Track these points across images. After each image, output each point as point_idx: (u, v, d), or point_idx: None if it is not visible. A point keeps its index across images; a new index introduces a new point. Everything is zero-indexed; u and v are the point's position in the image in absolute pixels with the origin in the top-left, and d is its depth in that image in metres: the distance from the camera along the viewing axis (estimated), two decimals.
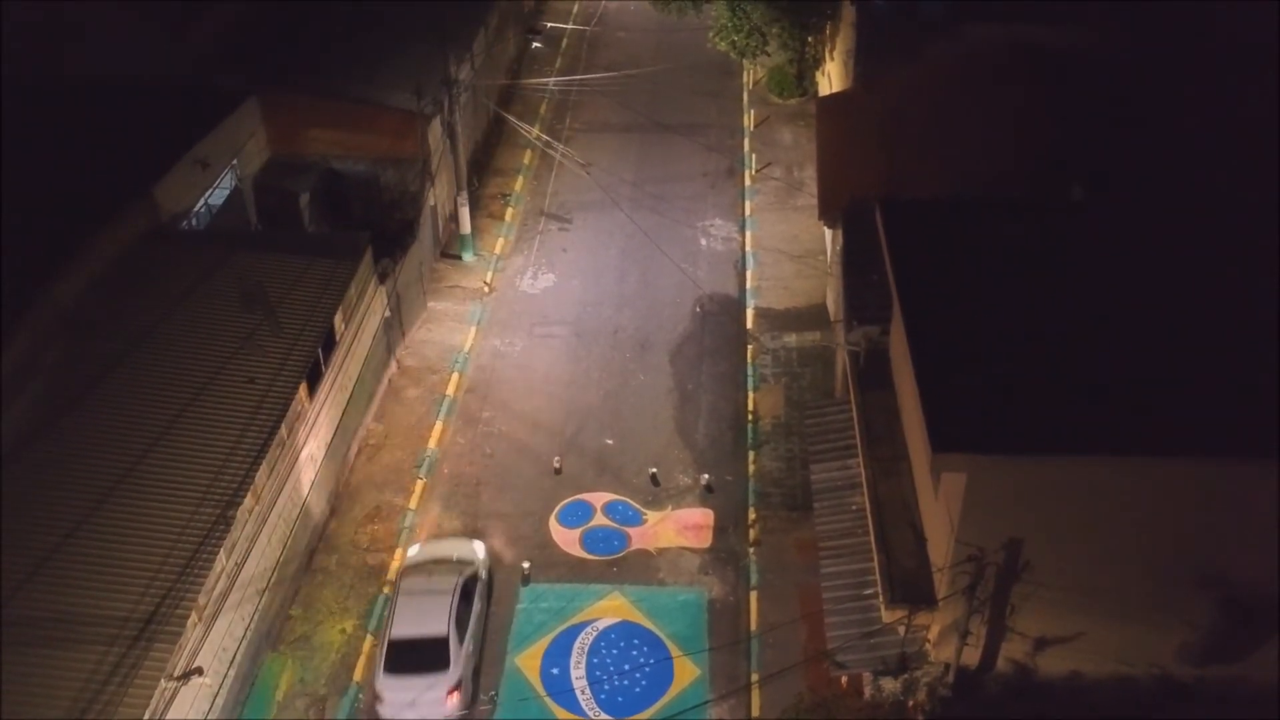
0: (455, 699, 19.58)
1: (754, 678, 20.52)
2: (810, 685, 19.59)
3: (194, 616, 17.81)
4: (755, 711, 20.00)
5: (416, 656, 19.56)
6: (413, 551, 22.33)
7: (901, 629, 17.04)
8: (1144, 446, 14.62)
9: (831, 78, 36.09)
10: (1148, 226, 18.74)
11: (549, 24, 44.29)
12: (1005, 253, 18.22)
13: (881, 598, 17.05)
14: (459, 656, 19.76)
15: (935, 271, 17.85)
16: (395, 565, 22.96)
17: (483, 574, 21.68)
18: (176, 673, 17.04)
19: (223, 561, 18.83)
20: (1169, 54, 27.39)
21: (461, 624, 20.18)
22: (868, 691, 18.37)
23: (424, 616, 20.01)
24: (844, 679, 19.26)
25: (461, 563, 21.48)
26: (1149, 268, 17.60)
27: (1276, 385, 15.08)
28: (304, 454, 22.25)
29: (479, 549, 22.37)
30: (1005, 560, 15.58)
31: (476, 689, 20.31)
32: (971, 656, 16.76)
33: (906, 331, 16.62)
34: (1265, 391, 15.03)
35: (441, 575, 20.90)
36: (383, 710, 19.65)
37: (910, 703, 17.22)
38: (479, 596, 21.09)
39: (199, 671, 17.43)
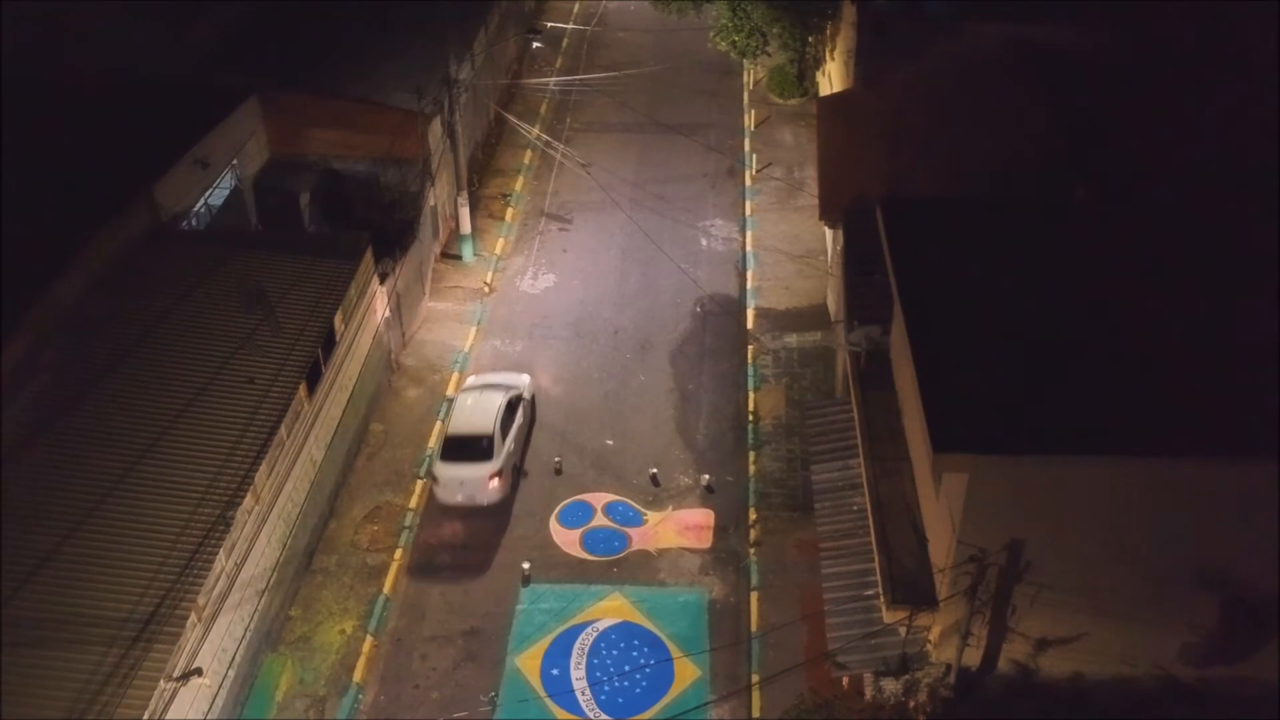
0: (496, 484, 23.81)
1: (754, 679, 20.47)
2: (811, 686, 19.53)
3: (193, 617, 17.76)
4: (756, 712, 19.95)
5: (467, 449, 23.89)
6: (470, 380, 26.74)
7: (903, 630, 16.98)
8: (1146, 447, 14.58)
9: (832, 78, 36.06)
10: (1149, 226, 18.72)
11: (549, 24, 44.27)
12: (1006, 252, 18.19)
13: (882, 598, 17.00)
14: (501, 451, 23.99)
15: (936, 271, 17.80)
16: (394, 569, 22.97)
17: (526, 395, 26.21)
18: (176, 673, 16.99)
19: (222, 562, 18.79)
20: (1170, 53, 27.36)
21: (505, 428, 24.46)
22: (869, 692, 18.35)
23: (474, 419, 24.38)
24: (845, 680, 19.21)
25: (509, 386, 25.67)
26: (1150, 267, 17.56)
27: (1277, 385, 15.03)
28: (304, 454, 22.20)
29: (525, 379, 26.85)
30: (1007, 561, 15.53)
31: (517, 480, 24.96)
32: (973, 657, 16.71)
33: (907, 331, 16.58)
34: (1267, 391, 14.99)
35: (491, 391, 25.27)
36: (439, 491, 24.10)
37: (912, 704, 17.18)
38: (521, 412, 25.54)
39: (198, 672, 17.39)
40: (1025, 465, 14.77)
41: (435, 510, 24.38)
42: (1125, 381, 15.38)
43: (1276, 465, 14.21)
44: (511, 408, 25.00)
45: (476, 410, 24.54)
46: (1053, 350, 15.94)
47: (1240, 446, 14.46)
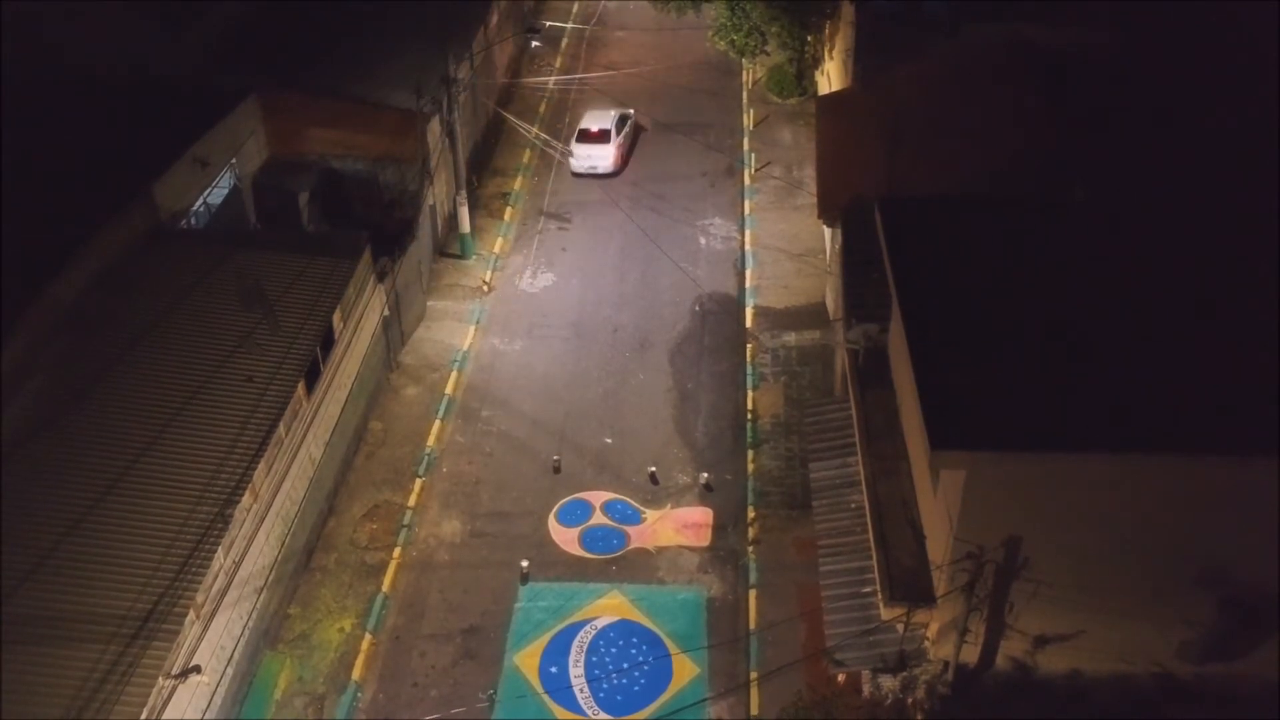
0: (611, 160, 36.54)
1: (753, 676, 20.49)
2: (809, 683, 19.54)
3: (192, 614, 17.80)
4: (754, 710, 19.96)
5: (592, 136, 36.60)
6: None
7: (900, 627, 16.98)
8: (1142, 443, 14.58)
9: (831, 77, 36.09)
10: (1147, 224, 18.72)
11: (548, 23, 44.31)
12: (1004, 251, 18.20)
13: (880, 596, 17.01)
14: (615, 140, 36.64)
15: (934, 268, 17.81)
16: (393, 567, 23.01)
17: (630, 115, 38.58)
18: (175, 671, 17.02)
19: (221, 559, 18.81)
20: (1170, 53, 27.37)
21: (619, 127, 37.11)
22: (867, 689, 18.36)
23: (599, 120, 37.21)
24: (842, 677, 19.22)
25: (623, 111, 38.31)
26: (1147, 266, 17.57)
27: (1275, 381, 15.05)
28: (302, 452, 22.22)
29: (631, 110, 39.02)
30: (1004, 558, 15.54)
31: (628, 156, 37.66)
32: (971, 654, 16.70)
33: (905, 328, 16.59)
34: (1264, 388, 15.00)
35: (607, 106, 38.60)
36: (572, 163, 36.61)
37: (909, 701, 17.18)
38: (629, 125, 38.08)
39: (197, 670, 17.41)
40: (1022, 462, 14.77)
41: (435, 508, 24.41)
42: (1122, 379, 15.39)
43: (1274, 462, 14.22)
44: (623, 119, 37.72)
45: (600, 116, 37.39)
46: (1050, 348, 15.95)
47: (1237, 444, 14.45)
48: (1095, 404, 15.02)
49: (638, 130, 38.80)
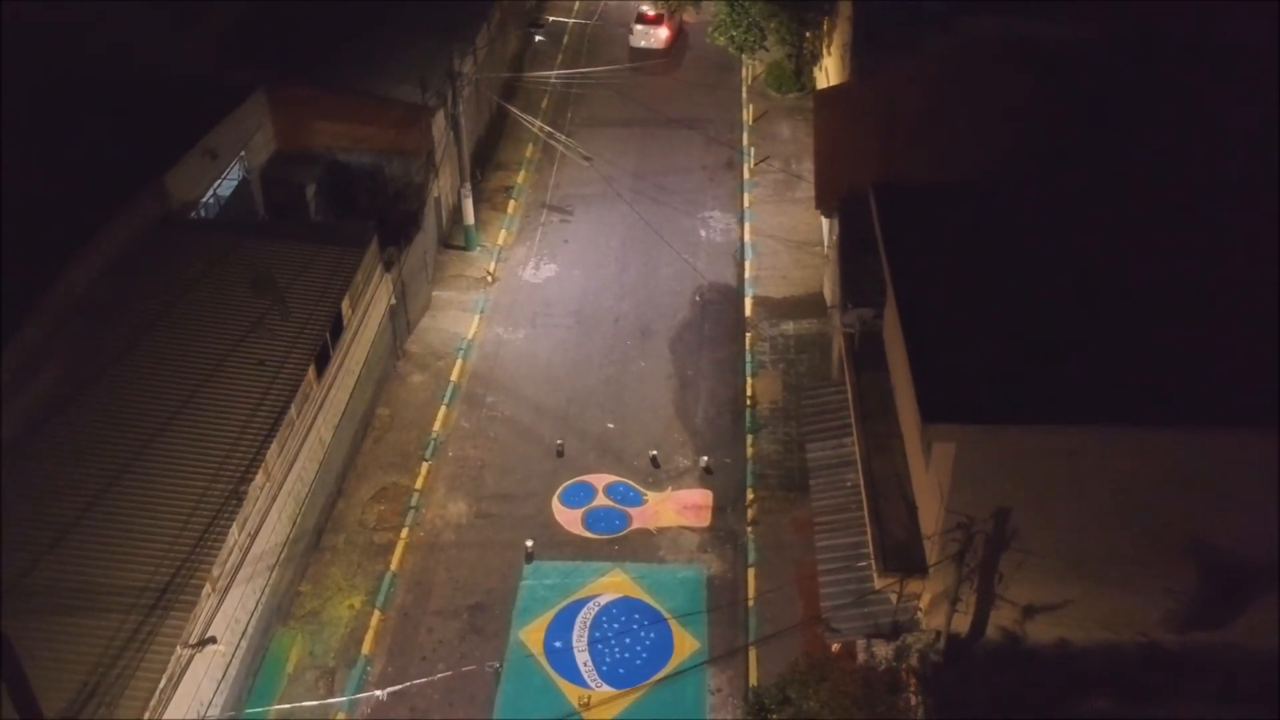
0: (663, 39, 44.44)
1: (752, 652, 21.04)
2: (805, 650, 20.08)
3: (208, 587, 18.36)
4: (753, 681, 20.51)
5: (649, 19, 44.82)
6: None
7: (894, 597, 17.56)
8: (1126, 416, 15.12)
9: (829, 72, 36.65)
10: (1133, 205, 19.23)
11: (551, 18, 44.92)
12: (995, 233, 18.72)
13: (874, 566, 17.58)
14: (666, 23, 44.03)
15: (926, 251, 18.36)
16: (403, 541, 23.58)
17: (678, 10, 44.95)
18: (192, 640, 17.60)
19: (235, 535, 19.38)
20: (1160, 46, 27.86)
21: (670, 15, 43.84)
22: (861, 658, 18.90)
23: (653, 8, 44.90)
24: (837, 646, 19.76)
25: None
26: (1130, 248, 18.09)
27: (1258, 356, 15.56)
28: (313, 435, 22.79)
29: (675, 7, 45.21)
30: (994, 529, 16.08)
31: (676, 39, 45.14)
32: (962, 624, 17.24)
33: (898, 307, 17.16)
34: (1247, 362, 15.50)
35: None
36: (632, 39, 44.67)
37: (903, 668, 17.73)
38: (678, 16, 44.33)
39: (213, 640, 17.98)
40: (1010, 435, 15.31)
41: (441, 491, 24.98)
42: (1106, 356, 15.91)
43: (1257, 434, 14.72)
44: (672, 12, 44.44)
45: (654, 6, 44.57)
46: (1038, 326, 16.48)
47: (1221, 416, 14.93)
48: (1080, 380, 15.55)
49: (683, 25, 46.41)
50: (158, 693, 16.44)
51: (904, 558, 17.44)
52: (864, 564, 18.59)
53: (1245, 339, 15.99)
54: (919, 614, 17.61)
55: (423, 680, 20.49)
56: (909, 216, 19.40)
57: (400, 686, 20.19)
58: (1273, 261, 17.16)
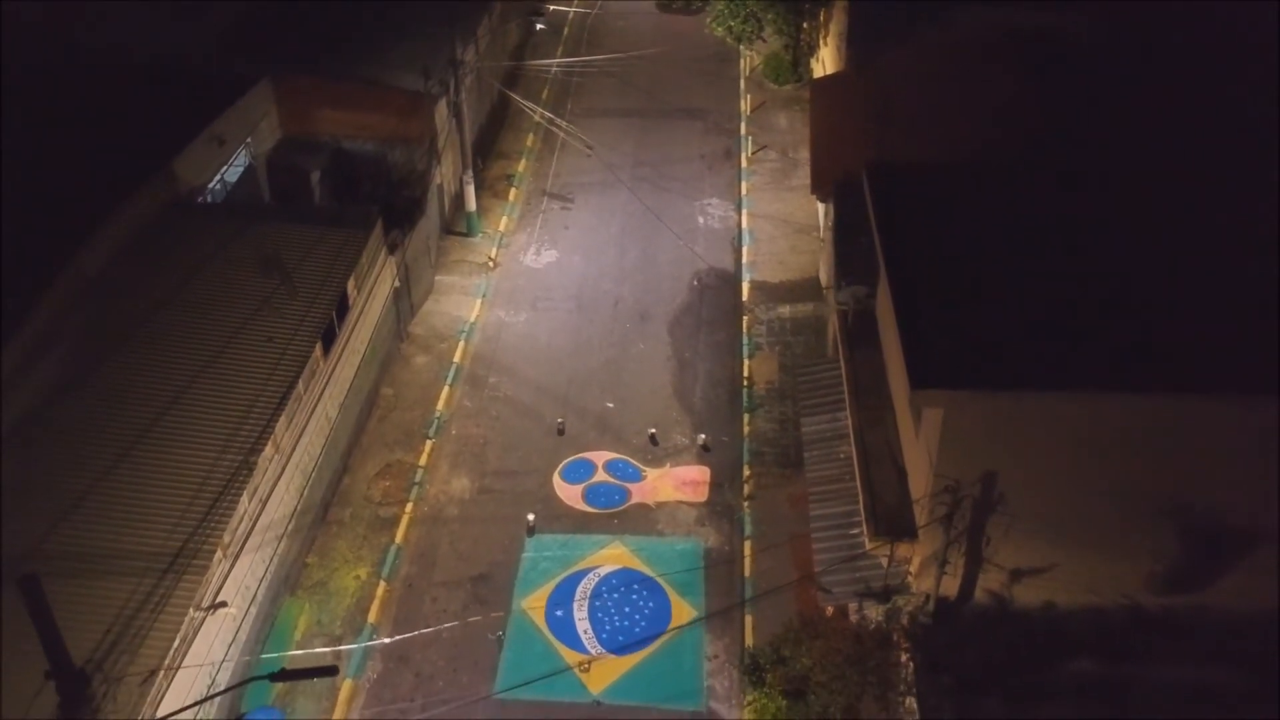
0: None
1: (748, 620, 21.60)
2: (799, 611, 20.65)
3: (219, 553, 18.91)
4: (749, 643, 21.06)
5: None
6: None
7: (885, 561, 18.11)
8: (1109, 382, 15.65)
9: (825, 63, 37.15)
10: (1119, 177, 19.74)
11: (551, 7, 45.45)
12: (983, 210, 19.24)
13: (866, 530, 18.13)
14: None
15: (917, 226, 18.87)
16: (405, 520, 24.14)
17: None
18: (204, 604, 18.16)
19: (245, 504, 19.93)
20: (1153, 34, 28.31)
21: None
22: (853, 618, 19.45)
23: None
24: (830, 609, 20.31)
25: None
26: (1116, 213, 18.59)
27: (1240, 323, 16.06)
28: (319, 410, 23.35)
29: None
30: (981, 493, 16.61)
31: None
32: (950, 587, 17.75)
33: (889, 279, 17.69)
34: (1228, 329, 16.00)
35: None
36: None
37: (893, 629, 18.27)
38: None
39: (224, 604, 18.53)
40: (996, 400, 15.84)
41: (445, 467, 25.51)
42: (1088, 325, 16.43)
43: (1242, 400, 15.22)
44: None
45: None
46: (1023, 295, 17.01)
47: (1205, 382, 15.38)
48: (1063, 347, 16.07)
49: None
50: (171, 651, 16.99)
51: (895, 522, 17.98)
52: (856, 530, 19.14)
53: (1228, 307, 16.48)
54: (909, 578, 18.15)
55: (429, 630, 21.26)
56: (901, 194, 19.90)
57: (406, 635, 21.03)
58: (1256, 232, 17.69)
